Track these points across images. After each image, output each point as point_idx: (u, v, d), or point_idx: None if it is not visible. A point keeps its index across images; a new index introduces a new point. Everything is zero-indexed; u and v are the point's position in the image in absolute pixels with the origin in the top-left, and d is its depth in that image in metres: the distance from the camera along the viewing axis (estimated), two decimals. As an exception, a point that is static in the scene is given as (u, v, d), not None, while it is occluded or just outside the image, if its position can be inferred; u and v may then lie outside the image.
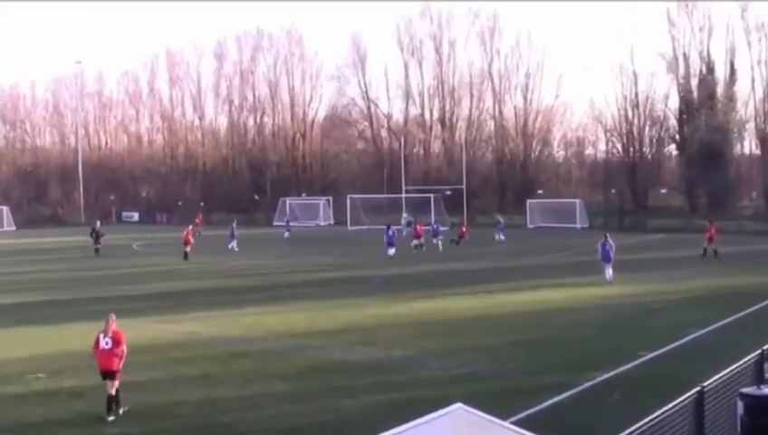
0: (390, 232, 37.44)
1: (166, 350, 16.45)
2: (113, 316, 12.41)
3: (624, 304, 22.01)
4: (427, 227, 42.83)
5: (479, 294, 24.49)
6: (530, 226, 62.89)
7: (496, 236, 47.28)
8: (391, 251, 36.84)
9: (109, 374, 11.95)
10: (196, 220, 57.92)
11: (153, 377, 14.18)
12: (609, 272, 26.49)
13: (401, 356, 15.60)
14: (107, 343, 12.04)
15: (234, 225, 44.95)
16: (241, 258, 38.89)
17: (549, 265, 33.80)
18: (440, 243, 41.61)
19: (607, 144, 79.61)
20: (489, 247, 42.36)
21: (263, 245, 48.31)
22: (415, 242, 40.42)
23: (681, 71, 70.16)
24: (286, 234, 54.70)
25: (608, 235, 27.82)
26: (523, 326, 18.81)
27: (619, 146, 77.01)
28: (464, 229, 46.31)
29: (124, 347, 12.12)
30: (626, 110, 74.55)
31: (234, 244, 43.90)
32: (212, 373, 14.41)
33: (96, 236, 42.32)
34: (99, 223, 45.98)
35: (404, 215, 53.65)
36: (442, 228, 45.29)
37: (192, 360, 15.51)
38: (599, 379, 13.37)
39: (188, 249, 38.08)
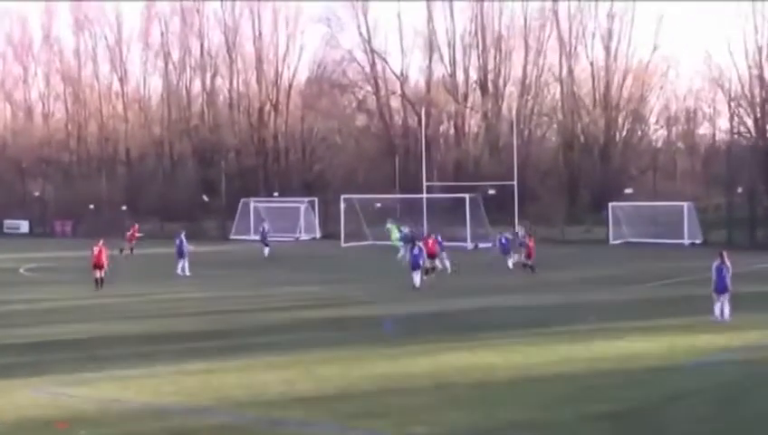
0: (416, 249, 38.66)
1: (69, 427, 16.42)
2: None
3: (756, 361, 21.87)
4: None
5: (533, 341, 24.43)
6: (613, 241, 62.78)
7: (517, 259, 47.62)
8: (416, 278, 37.74)
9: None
10: (132, 231, 58.97)
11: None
12: (725, 307, 26.80)
13: (424, 435, 15.61)
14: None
15: (182, 237, 45.29)
16: (185, 289, 38.97)
17: (639, 300, 33.69)
18: (447, 262, 43.53)
19: (731, 120, 79.79)
20: (548, 273, 42.31)
21: (216, 268, 48.36)
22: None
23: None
24: (267, 251, 55.09)
25: (724, 253, 27.84)
26: (597, 392, 18.74)
27: (749, 122, 77.11)
28: (531, 245, 44.62)
29: None
30: (761, 68, 74.56)
31: (184, 265, 44.36)
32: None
33: None
34: None
35: (388, 225, 54.07)
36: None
37: (110, 441, 15.52)
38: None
39: (99, 274, 38.40)
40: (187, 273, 43.87)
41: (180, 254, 44.58)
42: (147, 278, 43.77)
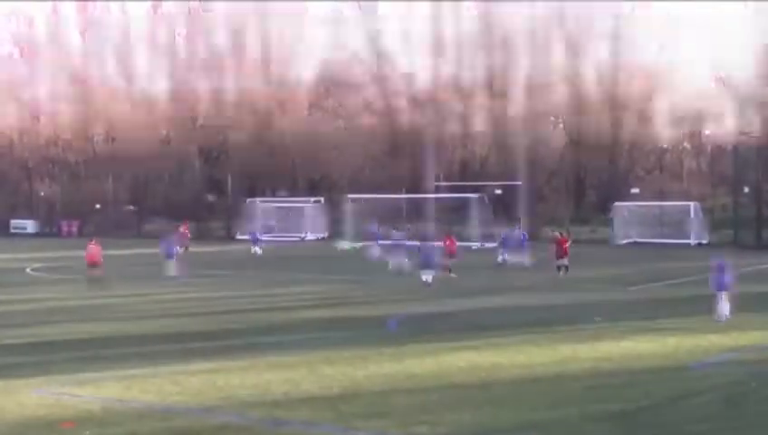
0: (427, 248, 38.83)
1: (74, 427, 16.42)
2: None
3: (761, 362, 21.83)
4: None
5: (537, 341, 24.39)
6: (619, 241, 62.72)
7: (500, 258, 47.52)
8: (427, 277, 37.93)
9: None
10: (182, 230, 59.85)
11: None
12: (725, 306, 27.02)
13: (428, 435, 15.58)
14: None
15: (174, 239, 45.35)
16: (189, 289, 39.03)
17: (644, 300, 33.72)
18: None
19: (738, 120, 79.45)
20: (553, 273, 42.28)
21: (221, 268, 48.59)
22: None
23: None
24: (256, 250, 55.21)
25: (723, 252, 27.96)
26: (602, 392, 18.69)
27: (755, 122, 76.81)
28: (566, 246, 42.01)
29: None
30: None
31: (171, 266, 44.41)
32: (144, 460, 14.41)
33: None
34: None
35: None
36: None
37: (114, 441, 15.46)
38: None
39: (96, 273, 38.73)
40: (173, 273, 43.81)
41: (169, 254, 44.59)
42: (151, 278, 43.83)
